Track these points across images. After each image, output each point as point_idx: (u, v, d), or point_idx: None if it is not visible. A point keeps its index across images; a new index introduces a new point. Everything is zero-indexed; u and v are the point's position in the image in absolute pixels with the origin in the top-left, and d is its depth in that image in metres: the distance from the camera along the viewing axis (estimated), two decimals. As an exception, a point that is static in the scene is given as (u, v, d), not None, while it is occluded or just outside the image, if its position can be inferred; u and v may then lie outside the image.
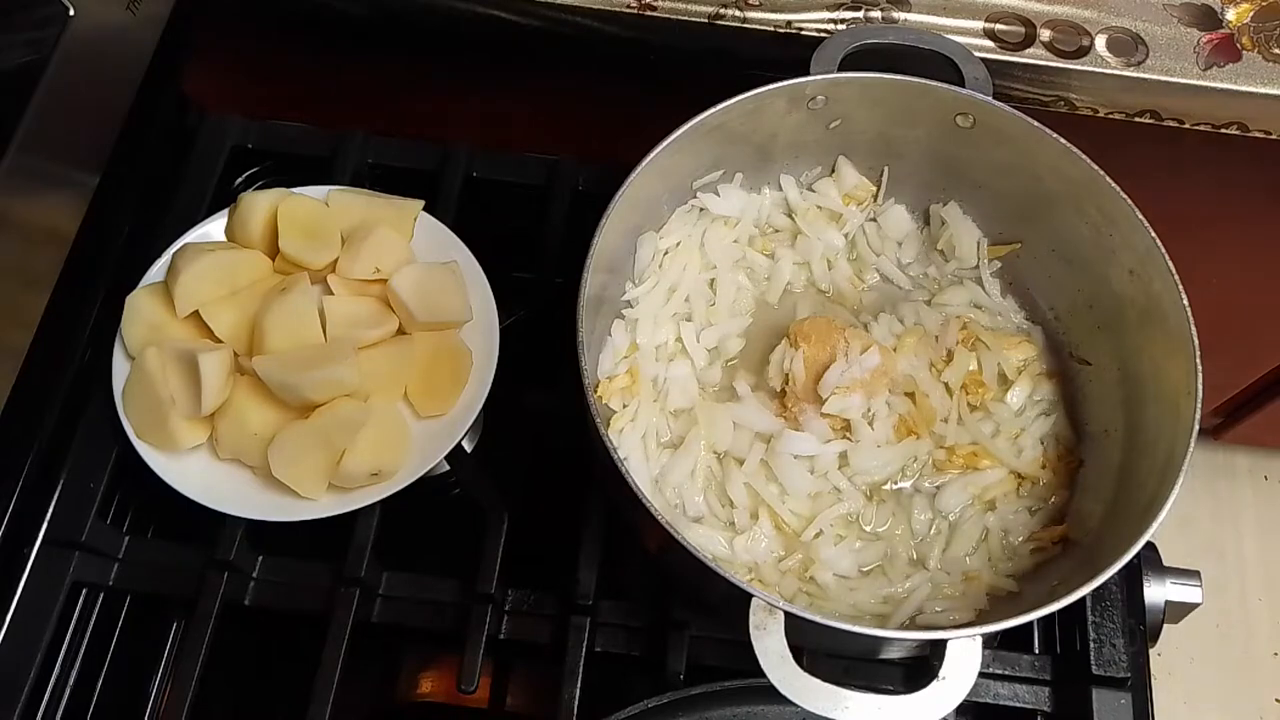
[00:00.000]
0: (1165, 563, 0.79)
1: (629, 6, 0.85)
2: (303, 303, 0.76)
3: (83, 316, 0.79)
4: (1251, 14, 0.86)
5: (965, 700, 0.60)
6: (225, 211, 0.83)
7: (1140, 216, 0.72)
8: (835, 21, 0.85)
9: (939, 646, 0.61)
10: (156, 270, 0.80)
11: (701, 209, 0.84)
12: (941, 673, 0.60)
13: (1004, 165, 0.80)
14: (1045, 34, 0.85)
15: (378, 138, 0.91)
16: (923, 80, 0.75)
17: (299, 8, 0.92)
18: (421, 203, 0.84)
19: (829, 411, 0.76)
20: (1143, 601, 0.78)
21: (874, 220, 0.87)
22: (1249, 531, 1.73)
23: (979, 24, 0.85)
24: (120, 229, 0.83)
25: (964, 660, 0.60)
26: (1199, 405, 0.66)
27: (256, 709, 0.86)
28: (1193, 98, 0.85)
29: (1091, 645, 0.75)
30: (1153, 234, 0.71)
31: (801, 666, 0.59)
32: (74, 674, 0.78)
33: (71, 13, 0.69)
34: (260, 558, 0.77)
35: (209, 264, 0.77)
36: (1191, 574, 0.79)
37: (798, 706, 0.59)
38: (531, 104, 0.99)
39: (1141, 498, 0.68)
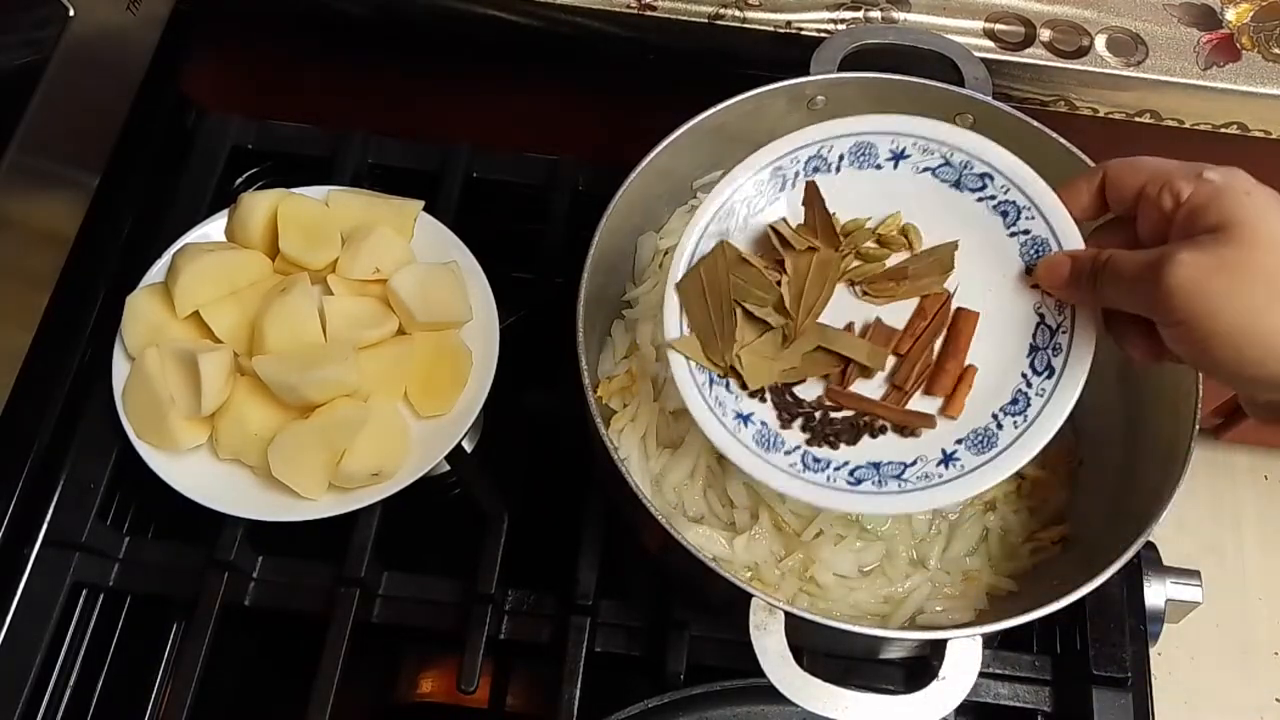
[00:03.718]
0: (1165, 562, 0.79)
1: (629, 6, 0.85)
2: (303, 303, 0.76)
3: (83, 316, 0.79)
4: (1251, 14, 0.86)
5: (965, 700, 0.60)
6: (225, 211, 0.83)
7: (1140, 216, 0.72)
8: (835, 21, 0.85)
9: (939, 646, 0.61)
10: (156, 270, 0.80)
11: (701, 209, 0.84)
12: (941, 673, 0.60)
13: (1004, 165, 0.80)
14: (1045, 34, 0.85)
15: (378, 138, 0.91)
16: (923, 80, 0.75)
17: (299, 8, 0.92)
18: (421, 203, 0.84)
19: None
20: (1143, 601, 0.78)
21: (874, 220, 0.86)
22: (1249, 531, 1.73)
23: (979, 24, 0.85)
24: (120, 229, 0.83)
25: (964, 660, 0.60)
26: (1199, 405, 0.66)
27: (256, 709, 0.86)
28: (1193, 98, 0.85)
29: (1091, 645, 0.75)
30: (1153, 234, 0.71)
31: (801, 666, 0.59)
32: (74, 674, 0.78)
33: (71, 13, 0.69)
34: (260, 558, 0.77)
35: (209, 264, 0.77)
36: (1191, 573, 0.79)
37: (798, 706, 0.59)
38: (531, 104, 0.99)
39: (1141, 498, 0.68)
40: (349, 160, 0.89)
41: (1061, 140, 0.74)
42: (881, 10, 0.85)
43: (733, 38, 0.86)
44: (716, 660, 0.75)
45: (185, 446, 0.75)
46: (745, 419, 0.63)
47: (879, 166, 0.67)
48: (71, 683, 0.78)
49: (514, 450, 0.86)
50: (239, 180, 0.93)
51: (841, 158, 0.67)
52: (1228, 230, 0.50)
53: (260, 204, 0.80)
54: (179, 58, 0.86)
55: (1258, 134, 0.87)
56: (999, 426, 0.62)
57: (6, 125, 0.65)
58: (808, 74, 0.76)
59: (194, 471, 0.75)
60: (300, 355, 0.75)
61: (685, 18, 0.85)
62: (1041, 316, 0.62)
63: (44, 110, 0.67)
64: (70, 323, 0.78)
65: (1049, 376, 0.61)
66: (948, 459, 0.62)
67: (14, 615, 0.73)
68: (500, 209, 0.92)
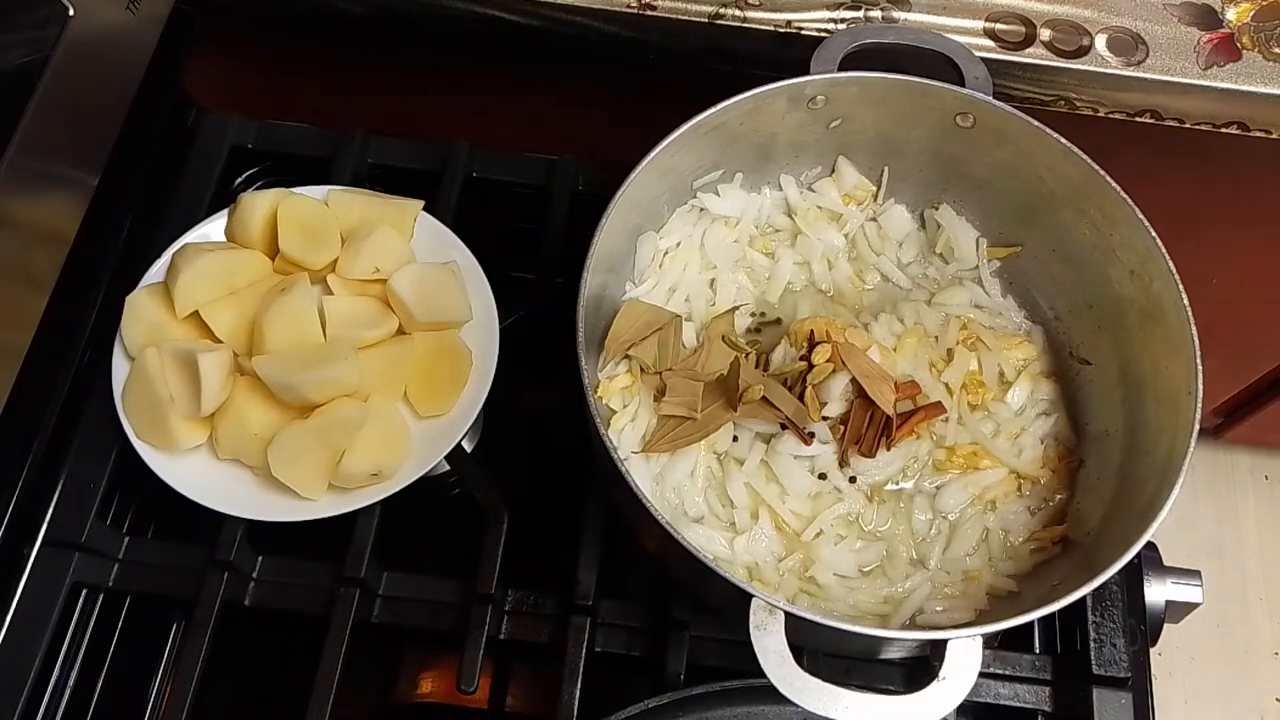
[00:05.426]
0: (1165, 562, 0.79)
1: (629, 6, 0.85)
2: (303, 303, 0.76)
3: (83, 316, 0.79)
4: (1251, 13, 0.86)
5: (965, 700, 0.60)
6: (225, 211, 0.83)
7: (1140, 216, 0.72)
8: (835, 21, 0.85)
9: (939, 646, 0.61)
10: (156, 270, 0.80)
11: (701, 209, 0.84)
12: (941, 673, 0.60)
13: (1004, 165, 0.80)
14: (1045, 33, 0.85)
15: (378, 138, 0.91)
16: (923, 80, 0.75)
17: (299, 8, 0.92)
18: (421, 203, 0.84)
19: (829, 414, 0.75)
20: (1143, 601, 0.78)
21: (874, 220, 0.87)
22: (1249, 531, 1.73)
23: (979, 24, 0.85)
24: (120, 229, 0.83)
25: (964, 660, 0.60)
26: (1199, 405, 0.66)
27: (256, 709, 0.86)
28: (1193, 97, 0.85)
29: (1092, 645, 0.75)
30: (1153, 234, 0.71)
31: (801, 666, 0.59)
32: (74, 674, 0.78)
33: (71, 13, 0.69)
34: (260, 558, 0.77)
35: (209, 264, 0.77)
36: (1192, 574, 0.79)
37: (798, 706, 0.59)
38: (532, 104, 0.99)
39: (1141, 498, 0.68)
40: (349, 160, 0.89)
41: (1062, 140, 0.74)
42: (881, 10, 0.86)
43: (733, 38, 0.86)
44: (716, 660, 0.75)
45: (185, 446, 0.75)
46: None
47: None
48: (71, 683, 0.78)
49: (514, 450, 0.86)
50: (239, 180, 0.93)
51: None
52: None
53: (260, 204, 0.80)
54: (179, 58, 0.86)
55: (1258, 134, 0.87)
56: None
57: (6, 125, 0.65)
58: (808, 74, 0.76)
59: (194, 471, 0.75)
60: (300, 355, 0.75)
61: (685, 18, 0.85)
62: None
63: (44, 110, 0.67)
64: (70, 323, 0.78)
65: None
66: None
67: (14, 615, 0.73)
68: (500, 209, 0.92)
